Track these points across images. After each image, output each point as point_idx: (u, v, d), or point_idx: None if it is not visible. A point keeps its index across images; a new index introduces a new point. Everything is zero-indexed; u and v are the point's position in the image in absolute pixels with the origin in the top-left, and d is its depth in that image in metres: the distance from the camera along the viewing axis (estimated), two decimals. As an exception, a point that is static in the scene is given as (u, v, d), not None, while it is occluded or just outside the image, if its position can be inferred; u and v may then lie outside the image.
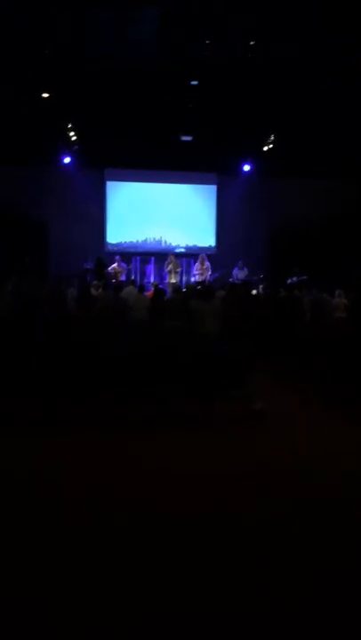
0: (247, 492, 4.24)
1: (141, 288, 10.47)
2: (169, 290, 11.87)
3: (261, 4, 9.01)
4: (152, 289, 11.00)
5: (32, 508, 3.89)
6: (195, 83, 11.51)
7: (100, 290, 10.57)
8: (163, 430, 5.55)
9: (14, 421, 5.66)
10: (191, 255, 15.27)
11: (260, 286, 12.69)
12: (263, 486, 4.36)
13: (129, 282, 12.38)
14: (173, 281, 13.59)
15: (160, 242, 15.71)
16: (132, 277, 14.23)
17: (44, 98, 11.93)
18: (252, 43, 9.92)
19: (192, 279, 14.38)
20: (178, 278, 14.06)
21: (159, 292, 10.39)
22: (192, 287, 11.03)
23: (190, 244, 15.78)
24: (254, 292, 12.15)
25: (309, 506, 4.01)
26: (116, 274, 13.80)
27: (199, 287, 11.47)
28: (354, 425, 5.85)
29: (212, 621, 2.72)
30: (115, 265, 13.98)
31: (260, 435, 5.55)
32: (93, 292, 10.36)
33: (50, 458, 4.83)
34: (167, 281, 13.69)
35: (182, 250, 15.63)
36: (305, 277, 12.82)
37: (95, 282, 11.53)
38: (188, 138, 13.97)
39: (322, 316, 9.49)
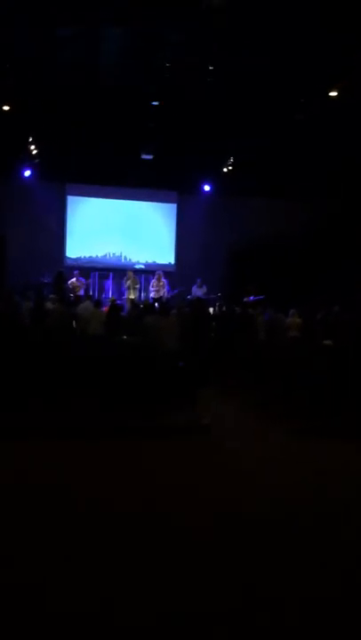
0: (188, 501, 4.30)
1: (97, 303, 10.46)
2: (127, 306, 11.90)
3: (223, 30, 9.29)
4: (109, 304, 11.00)
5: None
6: (155, 103, 11.67)
7: (57, 304, 10.52)
8: (107, 439, 5.57)
9: None
10: (150, 272, 15.33)
11: (217, 304, 12.83)
12: (205, 496, 4.43)
13: (86, 297, 12.36)
14: (132, 297, 13.60)
15: (120, 257, 15.75)
16: (90, 292, 14.19)
17: (4, 111, 11.89)
18: (211, 67, 10.13)
19: (150, 295, 14.43)
20: (136, 294, 14.08)
21: (115, 307, 10.42)
22: (149, 303, 11.08)
23: (150, 260, 15.88)
24: (211, 309, 12.28)
25: (246, 516, 4.08)
26: (74, 288, 13.73)
27: (156, 303, 11.53)
28: (300, 440, 5.97)
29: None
30: (73, 279, 13.92)
31: (204, 447, 5.63)
32: (50, 305, 10.30)
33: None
34: (126, 297, 13.69)
35: (142, 266, 15.70)
36: (262, 297, 13.03)
37: (52, 295, 11.47)
38: (149, 156, 14.13)
39: (275, 334, 9.67)
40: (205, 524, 3.94)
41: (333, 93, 10.48)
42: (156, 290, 14.22)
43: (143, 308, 9.00)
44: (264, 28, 8.94)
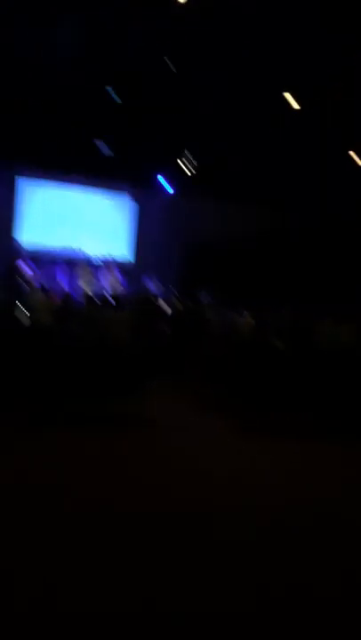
0: (131, 490, 4.35)
1: (49, 293, 10.26)
2: (81, 298, 11.71)
3: (183, 23, 9.26)
4: (60, 295, 10.81)
5: None
6: (110, 89, 11.50)
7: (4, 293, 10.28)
8: (53, 429, 5.50)
9: None
10: (105, 265, 15.14)
11: (171, 302, 12.79)
12: (148, 484, 4.48)
13: (37, 286, 12.10)
14: (85, 289, 13.41)
15: (75, 249, 15.46)
16: (43, 283, 13.87)
17: None
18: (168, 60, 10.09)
19: (103, 289, 14.24)
20: (91, 287, 13.89)
21: (67, 298, 10.26)
22: (103, 297, 10.97)
23: (105, 253, 15.66)
24: (165, 306, 12.21)
25: (190, 506, 4.06)
26: (27, 278, 13.40)
27: (110, 297, 11.40)
28: (245, 436, 6.02)
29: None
30: (26, 269, 13.58)
31: (146, 438, 5.66)
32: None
33: None
34: (79, 289, 13.49)
35: (96, 259, 15.47)
36: (215, 295, 13.07)
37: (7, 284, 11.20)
38: (106, 148, 13.93)
39: (227, 334, 9.69)
40: (139, 511, 3.92)
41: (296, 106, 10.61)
42: (111, 284, 14.10)
43: (96, 302, 8.86)
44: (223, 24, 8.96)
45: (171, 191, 15.75)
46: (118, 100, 11.95)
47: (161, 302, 12.10)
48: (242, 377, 7.35)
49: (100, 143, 14.26)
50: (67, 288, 13.42)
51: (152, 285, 14.13)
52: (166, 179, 15.63)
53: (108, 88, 12.03)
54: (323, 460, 5.61)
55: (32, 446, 5.12)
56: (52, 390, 5.98)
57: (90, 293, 12.81)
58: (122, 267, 14.83)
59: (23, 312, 9.95)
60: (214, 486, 4.63)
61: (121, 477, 4.61)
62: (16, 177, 15.00)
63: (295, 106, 11.07)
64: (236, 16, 9.36)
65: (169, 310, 11.68)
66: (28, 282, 12.96)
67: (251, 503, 4.36)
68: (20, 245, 15.04)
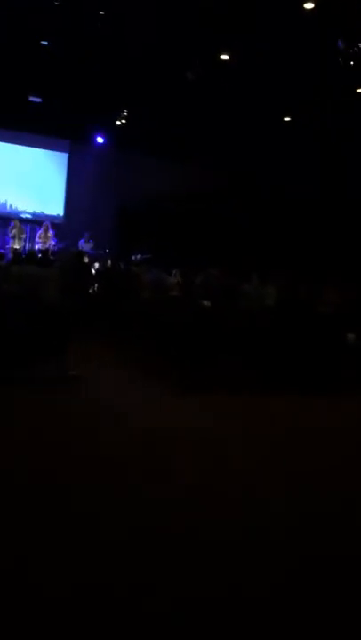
0: (50, 448, 4.43)
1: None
2: (10, 255, 11.52)
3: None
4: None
5: None
6: (45, 43, 11.12)
7: None
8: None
9: None
10: (37, 222, 14.88)
11: (102, 260, 12.81)
12: (64, 442, 4.58)
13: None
14: (17, 247, 13.18)
15: (5, 205, 15.07)
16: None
17: None
18: (101, 12, 9.83)
19: (35, 247, 14.05)
20: (22, 244, 13.65)
21: (-3, 257, 10.11)
22: (32, 253, 10.85)
23: (37, 210, 15.37)
24: (97, 264, 12.24)
25: (109, 461, 4.28)
26: None
27: (40, 254, 11.29)
28: (172, 394, 6.28)
29: None
30: None
31: (71, 396, 5.78)
32: None
33: None
34: (9, 246, 13.23)
35: (28, 216, 15.16)
36: (149, 256, 13.19)
37: None
38: (38, 99, 13.47)
39: (158, 293, 9.88)
40: (61, 469, 4.09)
41: (225, 57, 10.62)
42: (43, 241, 13.92)
43: (25, 258, 8.78)
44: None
45: (106, 146, 15.47)
46: (53, 52, 11.52)
47: (91, 260, 12.11)
48: (167, 335, 7.57)
49: (35, 96, 13.75)
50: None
51: (85, 244, 14.04)
52: (102, 134, 15.34)
53: (44, 42, 11.56)
54: (248, 412, 5.94)
55: None
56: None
57: (19, 250, 12.65)
58: (55, 224, 14.62)
59: None
60: (141, 440, 4.84)
61: (49, 435, 4.73)
62: None
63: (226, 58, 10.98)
64: None
65: (98, 268, 11.73)
66: None
67: (179, 452, 4.61)
68: None
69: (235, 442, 5.08)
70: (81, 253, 11.05)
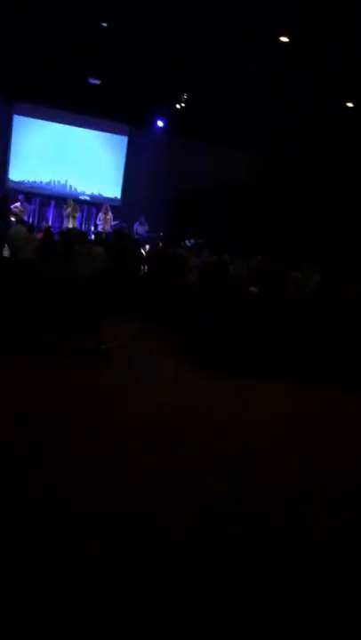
0: (84, 418, 4.53)
1: (31, 228, 10.39)
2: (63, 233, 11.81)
3: None
4: (44, 230, 10.95)
5: None
6: (105, 25, 11.22)
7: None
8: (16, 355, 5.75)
9: None
10: (94, 204, 15.15)
11: (155, 243, 12.90)
12: (99, 412, 4.68)
13: (21, 221, 12.18)
14: (71, 225, 13.48)
15: (65, 186, 15.41)
16: (31, 218, 13.93)
17: None
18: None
19: (94, 228, 14.34)
20: (76, 223, 13.95)
21: (48, 233, 10.41)
22: (76, 231, 11.11)
23: (95, 192, 15.63)
24: (148, 247, 12.35)
25: (144, 432, 4.34)
26: (19, 212, 13.44)
27: (92, 234, 11.56)
28: (202, 374, 6.30)
29: None
30: (18, 204, 13.61)
31: (102, 369, 5.89)
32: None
33: None
34: (65, 225, 13.57)
35: (87, 197, 15.45)
36: (201, 241, 13.15)
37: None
38: (96, 81, 13.63)
39: (204, 276, 9.87)
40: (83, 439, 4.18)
41: (285, 39, 10.38)
42: (103, 223, 14.18)
43: (72, 236, 9.00)
44: None
45: (165, 130, 15.47)
46: (115, 37, 11.65)
47: (143, 243, 12.23)
48: (210, 318, 7.57)
49: (96, 81, 13.96)
50: (52, 224, 13.49)
51: (140, 227, 14.18)
52: (161, 119, 15.36)
53: (104, 24, 11.69)
54: (280, 398, 5.89)
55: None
56: (19, 320, 6.22)
57: (74, 230, 12.93)
58: (113, 207, 14.84)
59: (6, 246, 10.16)
60: (169, 415, 4.90)
61: (76, 404, 4.87)
62: (11, 108, 14.81)
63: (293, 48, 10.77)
64: None
65: (149, 250, 11.83)
66: (15, 216, 13.01)
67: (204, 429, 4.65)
68: (11, 181, 15.02)
69: (259, 426, 5.05)
70: (124, 234, 11.16)
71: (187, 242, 13.30)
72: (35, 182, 15.20)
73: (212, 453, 4.21)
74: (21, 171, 15.15)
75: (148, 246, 12.33)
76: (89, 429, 4.34)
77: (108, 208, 14.37)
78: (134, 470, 3.77)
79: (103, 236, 12.35)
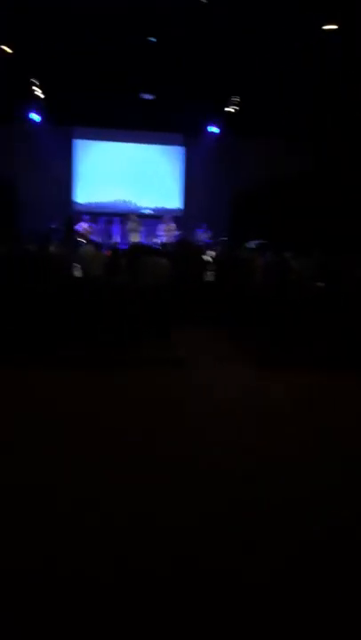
0: (163, 428, 4.66)
1: (98, 246, 10.79)
2: (128, 249, 12.15)
3: None
4: (110, 247, 11.32)
5: None
6: (153, 40, 11.51)
7: (59, 247, 10.92)
8: (88, 370, 6.00)
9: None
10: (158, 217, 15.48)
11: (217, 248, 12.99)
12: (177, 424, 4.80)
13: (88, 241, 12.64)
14: (135, 240, 13.82)
15: (128, 203, 15.87)
16: (98, 237, 14.43)
17: (7, 53, 11.87)
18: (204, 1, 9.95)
19: (158, 240, 14.63)
20: (140, 237, 14.29)
21: (115, 250, 10.75)
22: (139, 245, 11.39)
23: (158, 205, 15.97)
24: (213, 252, 12.44)
25: (218, 444, 4.43)
26: (85, 234, 14.00)
27: (157, 246, 11.81)
28: (274, 373, 6.31)
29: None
30: (84, 224, 14.19)
31: (177, 378, 6.02)
32: (53, 249, 10.71)
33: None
34: (129, 240, 13.94)
35: (149, 211, 15.82)
36: (264, 241, 13.09)
37: (55, 241, 11.83)
38: (150, 96, 13.96)
39: (269, 277, 9.84)
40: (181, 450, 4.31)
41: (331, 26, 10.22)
42: (167, 234, 14.44)
43: (136, 250, 9.27)
44: None
45: (219, 134, 15.54)
46: (163, 51, 11.93)
47: (207, 249, 12.34)
48: (278, 318, 7.56)
49: (149, 96, 14.30)
50: (117, 240, 13.90)
51: (203, 234, 14.33)
52: (215, 124, 15.47)
53: (152, 39, 12.00)
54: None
55: (75, 387, 5.68)
56: (95, 335, 6.50)
57: (137, 244, 13.25)
58: (176, 217, 15.11)
59: (76, 265, 10.61)
60: (240, 424, 4.96)
61: (158, 411, 5.03)
62: (71, 133, 15.49)
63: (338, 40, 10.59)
64: None
65: (214, 256, 11.91)
66: (82, 236, 13.53)
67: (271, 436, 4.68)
68: (77, 204, 15.67)
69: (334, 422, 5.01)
70: (187, 243, 11.31)
71: (250, 243, 13.29)
72: (99, 202, 15.77)
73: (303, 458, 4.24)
74: (85, 192, 15.77)
75: (212, 252, 12.42)
76: (172, 435, 4.48)
77: (171, 219, 14.64)
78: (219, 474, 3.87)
79: (168, 247, 12.59)
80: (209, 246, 13.21)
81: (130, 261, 9.35)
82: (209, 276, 10.55)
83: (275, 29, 11.07)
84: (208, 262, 10.70)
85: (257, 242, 13.27)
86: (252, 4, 10.32)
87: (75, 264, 10.55)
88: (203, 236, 14.18)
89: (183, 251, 9.72)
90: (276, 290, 8.93)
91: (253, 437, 4.51)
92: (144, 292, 6.90)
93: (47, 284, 7.61)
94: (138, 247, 9.37)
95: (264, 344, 6.97)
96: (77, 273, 10.61)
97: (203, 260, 10.50)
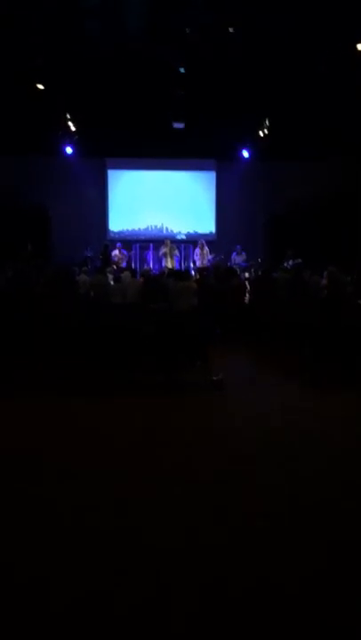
0: (207, 453, 4.55)
1: (134, 273, 10.87)
2: (162, 274, 12.20)
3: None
4: (145, 274, 11.40)
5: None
6: (182, 70, 11.70)
7: (99, 275, 11.14)
8: (130, 395, 5.95)
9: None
10: (192, 242, 15.54)
11: (252, 269, 12.91)
12: (220, 446, 4.69)
13: (128, 268, 12.76)
14: (169, 265, 13.88)
15: (161, 229, 16.00)
16: (133, 264, 14.58)
17: (41, 90, 12.25)
18: (230, 30, 10.07)
19: (192, 265, 14.67)
20: (174, 262, 14.34)
21: (149, 277, 10.82)
22: (170, 270, 11.45)
23: (191, 230, 16.05)
24: (247, 274, 12.38)
25: (262, 464, 4.31)
26: (118, 261, 14.17)
27: (191, 270, 11.82)
28: (315, 393, 6.13)
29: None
30: (116, 252, 14.37)
31: (216, 402, 5.91)
32: (83, 277, 10.92)
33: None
34: (163, 265, 14.00)
35: (183, 237, 15.90)
36: (299, 261, 12.96)
37: (85, 268, 12.06)
38: (180, 125, 14.14)
39: (304, 296, 9.68)
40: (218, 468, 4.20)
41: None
42: (200, 259, 14.47)
43: (167, 274, 9.29)
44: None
45: (251, 158, 15.59)
46: (193, 81, 12.14)
47: (242, 271, 12.29)
48: (315, 337, 7.39)
49: (180, 125, 14.51)
50: (151, 266, 13.99)
51: (237, 256, 14.30)
52: (246, 148, 15.53)
53: (181, 69, 12.22)
54: None
55: (113, 412, 5.65)
56: (123, 360, 6.48)
57: (171, 269, 13.30)
58: (209, 241, 15.13)
59: (113, 291, 10.72)
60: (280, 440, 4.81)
61: (201, 440, 4.92)
62: (104, 164, 15.82)
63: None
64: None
65: (249, 277, 11.85)
66: (115, 264, 13.69)
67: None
68: (112, 232, 15.92)
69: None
70: (223, 266, 11.29)
71: (285, 263, 13.17)
72: (133, 230, 15.97)
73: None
74: (119, 221, 16.01)
75: (247, 274, 12.37)
76: (213, 458, 4.39)
77: (204, 243, 14.66)
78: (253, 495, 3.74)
79: (203, 270, 12.59)
80: (244, 268, 13.17)
81: (161, 286, 9.38)
82: (245, 297, 10.47)
83: (304, 52, 11.12)
84: (244, 284, 10.63)
85: (292, 261, 13.16)
86: (280, 27, 10.40)
87: (112, 290, 10.68)
88: (238, 258, 14.16)
89: (219, 273, 9.67)
90: (315, 309, 8.78)
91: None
92: (180, 316, 6.84)
93: (88, 311, 7.70)
94: (169, 272, 9.35)
95: (308, 364, 6.79)
96: (115, 299, 10.73)
97: (239, 281, 10.42)
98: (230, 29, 10.48)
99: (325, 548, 3.09)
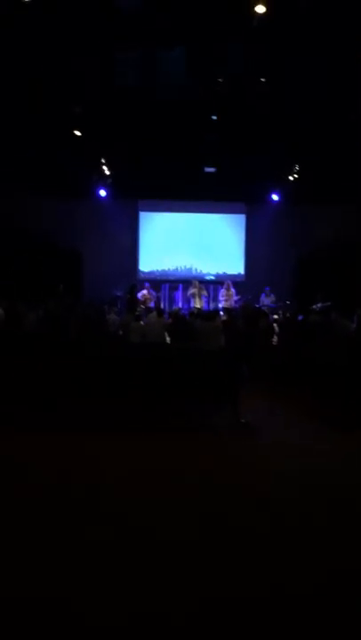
0: (236, 494, 4.53)
1: (160, 312, 10.93)
2: (190, 314, 12.23)
3: (278, 37, 9.52)
4: (173, 315, 11.47)
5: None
6: (214, 117, 12.04)
7: (126, 315, 11.27)
8: (150, 437, 5.94)
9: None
10: (220, 282, 15.61)
11: (281, 312, 12.85)
12: (246, 487, 4.67)
13: (156, 308, 12.85)
14: (198, 306, 13.91)
15: (190, 270, 16.17)
16: (162, 304, 14.67)
17: (77, 136, 12.73)
18: (262, 79, 10.36)
19: (219, 305, 14.68)
20: (202, 303, 14.36)
21: (177, 317, 10.88)
22: (197, 310, 11.47)
23: (220, 271, 16.16)
24: (275, 316, 12.31)
25: (293, 507, 4.22)
26: (145, 300, 14.29)
27: (221, 311, 11.84)
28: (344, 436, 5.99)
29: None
30: (144, 292, 14.50)
31: (244, 444, 5.83)
32: (113, 316, 11.07)
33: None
34: (192, 305, 14.05)
35: (212, 277, 16.01)
36: (329, 303, 12.87)
37: (114, 308, 12.22)
38: (212, 169, 14.44)
39: (335, 338, 9.57)
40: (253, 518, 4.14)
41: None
42: (226, 299, 14.49)
43: (194, 315, 9.33)
44: (312, 34, 9.09)
45: (280, 202, 15.76)
46: (224, 127, 12.49)
47: (271, 313, 12.24)
48: (341, 380, 7.28)
49: (211, 169, 14.85)
50: (180, 307, 14.05)
51: (266, 298, 14.28)
52: (276, 192, 15.73)
53: (213, 117, 12.59)
54: None
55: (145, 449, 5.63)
56: (146, 400, 6.48)
57: (199, 309, 13.32)
58: (237, 282, 15.19)
59: (133, 330, 10.81)
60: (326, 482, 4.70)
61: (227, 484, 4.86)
62: (136, 206, 16.20)
63: None
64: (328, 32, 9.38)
65: (278, 319, 11.79)
66: (143, 303, 13.82)
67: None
68: (142, 272, 16.16)
69: None
70: (251, 307, 11.26)
71: (315, 306, 13.10)
72: (163, 270, 16.18)
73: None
74: (150, 261, 16.26)
75: (275, 316, 12.31)
76: (245, 502, 4.32)
77: (230, 284, 14.70)
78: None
79: (231, 311, 12.60)
80: (273, 310, 13.13)
81: (188, 327, 9.43)
82: (274, 339, 10.41)
83: (333, 100, 11.35)
84: (273, 325, 10.59)
85: (322, 304, 13.08)
86: (310, 76, 10.67)
87: (132, 329, 10.75)
88: (266, 300, 14.14)
89: (247, 315, 9.68)
90: (342, 350, 8.67)
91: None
92: (207, 356, 6.84)
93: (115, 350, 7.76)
94: (196, 313, 9.39)
95: (338, 407, 6.68)
96: (134, 338, 10.80)
97: (267, 323, 10.39)
98: (262, 79, 10.75)
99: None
